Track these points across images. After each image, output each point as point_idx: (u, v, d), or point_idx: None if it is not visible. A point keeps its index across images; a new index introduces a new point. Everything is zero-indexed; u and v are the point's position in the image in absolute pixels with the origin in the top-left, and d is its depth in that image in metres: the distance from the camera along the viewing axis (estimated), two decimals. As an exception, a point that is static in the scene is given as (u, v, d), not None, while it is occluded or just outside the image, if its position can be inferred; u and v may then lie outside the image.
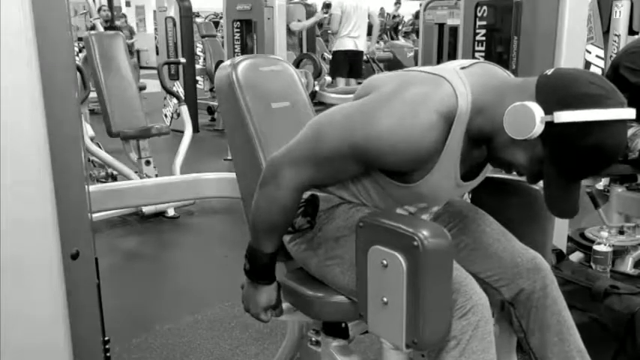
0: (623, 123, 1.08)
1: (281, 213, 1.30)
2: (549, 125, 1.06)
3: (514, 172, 1.24)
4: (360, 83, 6.49)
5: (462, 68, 1.23)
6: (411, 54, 9.29)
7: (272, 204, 1.28)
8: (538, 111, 1.06)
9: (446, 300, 1.20)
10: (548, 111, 1.06)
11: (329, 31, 7.88)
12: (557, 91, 1.09)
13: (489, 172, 1.40)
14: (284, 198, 1.27)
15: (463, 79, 1.18)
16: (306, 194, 1.39)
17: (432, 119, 1.13)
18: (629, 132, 2.46)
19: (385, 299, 1.20)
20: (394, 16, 13.42)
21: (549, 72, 1.13)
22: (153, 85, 7.24)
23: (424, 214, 1.40)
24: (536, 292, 1.40)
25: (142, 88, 4.63)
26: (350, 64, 6.64)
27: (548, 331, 1.40)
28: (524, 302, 1.41)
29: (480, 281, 1.40)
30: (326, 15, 6.99)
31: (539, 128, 1.07)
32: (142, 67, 11.07)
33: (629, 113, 1.08)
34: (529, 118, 1.07)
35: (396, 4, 13.64)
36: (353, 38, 6.54)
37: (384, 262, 1.18)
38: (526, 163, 1.15)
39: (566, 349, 1.40)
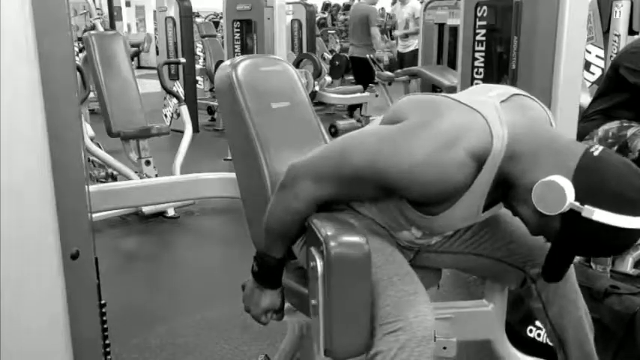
0: None
1: (296, 222, 1.30)
2: (575, 212, 1.05)
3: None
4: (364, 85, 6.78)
5: (502, 102, 1.18)
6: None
7: (288, 213, 1.28)
8: (570, 196, 1.04)
9: (361, 312, 1.19)
10: (579, 198, 1.04)
11: (329, 32, 7.93)
12: (596, 184, 1.05)
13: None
14: (300, 209, 1.27)
15: (501, 118, 1.13)
16: None
17: (462, 158, 1.10)
18: (629, 132, 2.46)
19: (313, 302, 1.22)
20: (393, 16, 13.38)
21: (596, 152, 1.08)
22: (153, 85, 7.24)
23: (437, 236, 1.41)
24: None
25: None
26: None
27: (566, 300, 1.50)
28: None
29: (506, 263, 1.50)
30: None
31: (564, 210, 1.05)
32: (141, 67, 11.06)
33: None
34: (559, 199, 1.05)
35: (393, 3, 13.59)
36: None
37: (312, 264, 1.20)
38: (537, 227, 1.14)
39: (578, 315, 1.52)
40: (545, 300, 1.50)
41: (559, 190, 1.04)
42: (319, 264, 1.16)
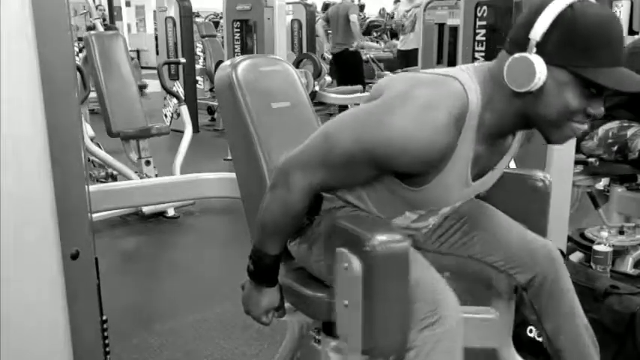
0: None
1: (290, 216, 1.29)
2: (541, 49, 1.08)
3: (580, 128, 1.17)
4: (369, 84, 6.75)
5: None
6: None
7: (282, 207, 1.28)
8: (521, 54, 1.09)
9: (402, 307, 1.18)
10: (524, 45, 1.09)
11: (328, 31, 7.93)
12: (511, 34, 1.13)
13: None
14: (295, 201, 1.26)
15: (470, 75, 1.18)
16: None
17: (443, 120, 1.12)
18: (629, 132, 2.46)
19: (346, 302, 1.20)
20: (393, 15, 13.35)
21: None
22: (153, 85, 7.25)
23: (433, 215, 1.40)
24: (549, 277, 1.47)
25: (142, 87, 4.60)
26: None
27: (560, 313, 1.49)
28: (537, 287, 1.48)
29: (497, 269, 1.49)
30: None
31: (537, 60, 1.07)
32: (142, 67, 11.05)
33: None
34: (523, 63, 1.08)
35: (395, 2, 13.57)
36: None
37: (345, 265, 1.18)
38: (569, 96, 1.11)
39: (574, 328, 1.50)
40: (539, 311, 1.50)
41: (515, 63, 1.09)
42: (356, 264, 1.14)
